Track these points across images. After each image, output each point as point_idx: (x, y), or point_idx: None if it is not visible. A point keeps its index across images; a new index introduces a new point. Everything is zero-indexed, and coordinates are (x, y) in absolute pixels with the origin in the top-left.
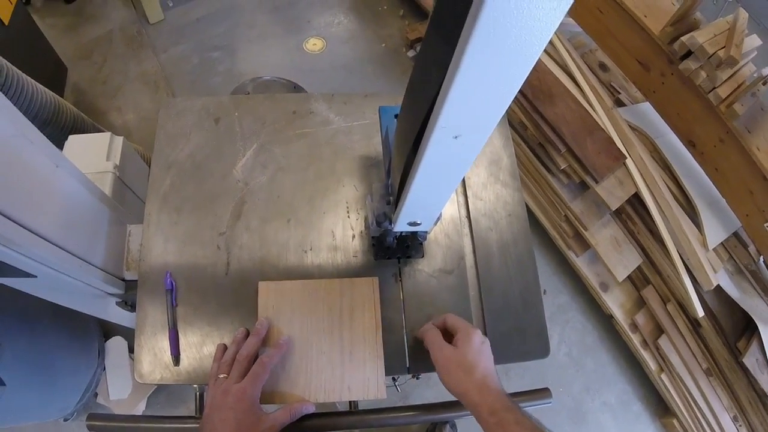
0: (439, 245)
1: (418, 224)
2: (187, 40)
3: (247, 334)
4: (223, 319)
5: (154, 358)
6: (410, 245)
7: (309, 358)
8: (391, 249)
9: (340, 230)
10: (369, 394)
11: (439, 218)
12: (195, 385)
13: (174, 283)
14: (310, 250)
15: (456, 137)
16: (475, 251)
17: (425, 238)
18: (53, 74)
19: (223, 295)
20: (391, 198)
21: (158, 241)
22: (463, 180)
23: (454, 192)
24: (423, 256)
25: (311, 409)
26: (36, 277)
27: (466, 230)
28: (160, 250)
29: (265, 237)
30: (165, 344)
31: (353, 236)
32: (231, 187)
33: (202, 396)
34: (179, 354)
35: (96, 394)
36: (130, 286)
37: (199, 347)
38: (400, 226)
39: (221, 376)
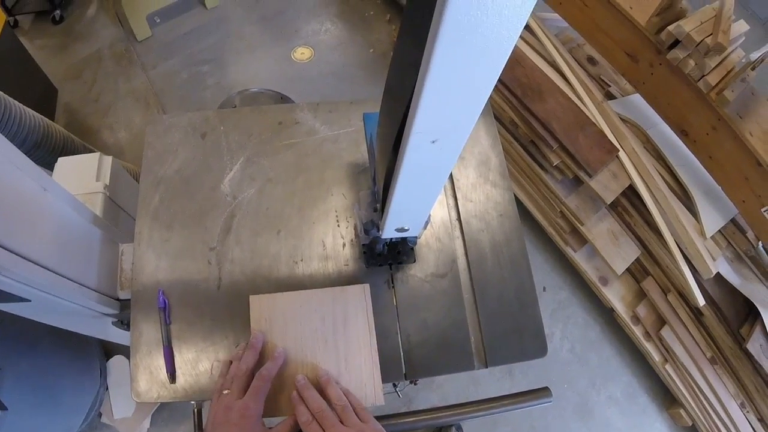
0: (430, 249)
1: (406, 230)
2: (176, 55)
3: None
4: (217, 334)
5: (150, 377)
6: (401, 251)
7: (305, 371)
8: (383, 256)
9: (331, 239)
10: (367, 401)
11: (428, 222)
12: (193, 402)
13: (167, 301)
14: (301, 260)
15: (434, 142)
16: (467, 253)
17: (416, 243)
18: (43, 96)
19: (217, 310)
20: (378, 205)
21: (150, 259)
22: (453, 182)
23: (443, 194)
24: (415, 261)
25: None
26: (30, 301)
27: (458, 233)
28: (152, 268)
29: (256, 250)
30: (161, 362)
31: (344, 245)
32: (220, 202)
33: (200, 412)
34: (175, 371)
35: (100, 414)
36: (125, 305)
37: (195, 364)
38: (388, 232)
39: (225, 392)
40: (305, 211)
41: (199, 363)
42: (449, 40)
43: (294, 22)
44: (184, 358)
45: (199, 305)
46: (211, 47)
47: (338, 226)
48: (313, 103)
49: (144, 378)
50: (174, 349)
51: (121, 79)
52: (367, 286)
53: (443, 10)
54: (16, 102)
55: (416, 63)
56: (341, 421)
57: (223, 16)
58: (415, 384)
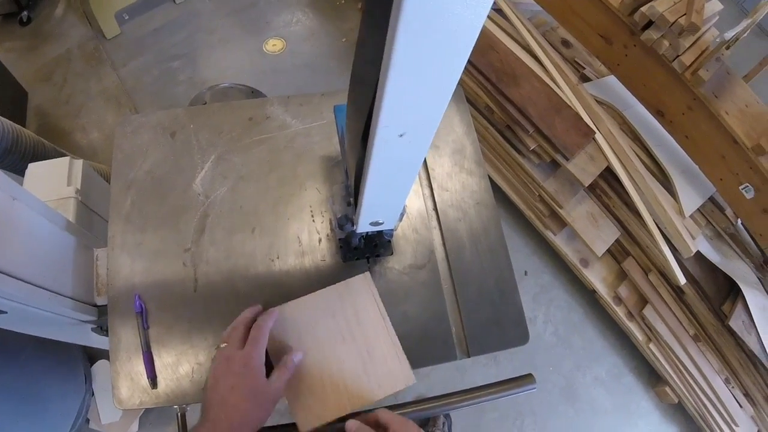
0: (408, 241)
1: (381, 223)
2: (146, 51)
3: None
4: (196, 336)
5: (131, 383)
6: (378, 243)
7: (331, 372)
8: (359, 249)
9: (306, 235)
10: (399, 384)
11: (403, 214)
12: (175, 406)
13: (143, 305)
14: (278, 258)
15: (401, 135)
16: (445, 244)
17: (392, 236)
18: (13, 99)
19: (195, 312)
20: (351, 199)
21: (124, 264)
22: (428, 171)
23: (419, 184)
24: (392, 254)
25: (300, 356)
26: (6, 312)
27: (435, 223)
28: (127, 273)
29: (231, 249)
30: (141, 368)
31: (320, 240)
32: (192, 202)
33: (183, 416)
34: (156, 376)
35: (88, 420)
36: (103, 311)
37: (175, 367)
38: (363, 227)
39: (222, 345)
40: (279, 208)
41: (179, 366)
42: (410, 32)
43: (265, 14)
44: (164, 362)
45: (176, 308)
46: (182, 42)
47: (313, 221)
48: (284, 96)
49: (125, 385)
50: (154, 354)
51: (91, 79)
52: (367, 274)
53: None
54: None
55: (379, 56)
56: None
57: (193, 10)
58: None
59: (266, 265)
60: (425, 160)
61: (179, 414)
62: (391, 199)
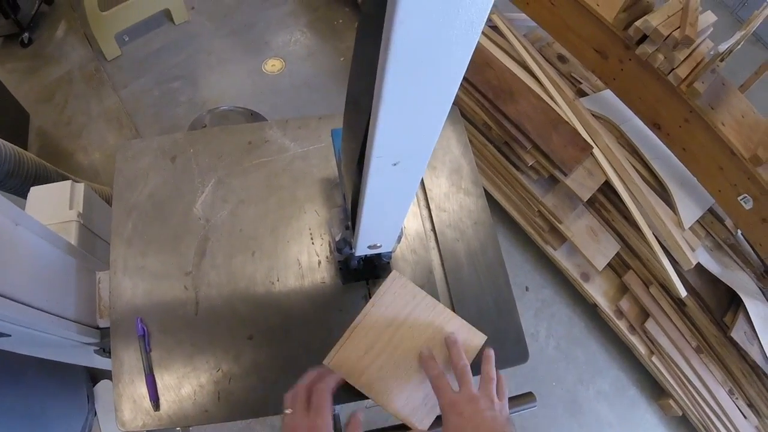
0: (406, 262)
1: (379, 246)
2: (147, 72)
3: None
4: (198, 358)
5: (134, 405)
6: (377, 266)
7: (416, 381)
8: (359, 272)
9: (306, 258)
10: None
11: (401, 236)
12: (178, 428)
13: (145, 329)
14: (278, 280)
15: (395, 164)
16: (443, 264)
17: (390, 258)
18: (15, 121)
19: (197, 335)
20: (349, 222)
21: (126, 287)
22: (425, 192)
23: (417, 205)
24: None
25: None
26: (10, 336)
27: (433, 243)
28: (129, 296)
29: (232, 272)
30: (143, 390)
31: (319, 262)
32: (193, 225)
33: None
34: (158, 399)
35: None
36: (105, 333)
37: (178, 390)
38: (361, 250)
39: (287, 411)
40: (279, 231)
41: (182, 389)
42: (400, 67)
43: (264, 34)
44: (166, 384)
45: (178, 331)
46: (182, 63)
47: (312, 243)
48: (282, 120)
49: (128, 407)
50: (156, 376)
51: (92, 100)
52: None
53: (389, 46)
54: None
55: (371, 84)
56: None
57: (193, 31)
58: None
59: (266, 288)
60: (423, 181)
61: None
62: (388, 224)
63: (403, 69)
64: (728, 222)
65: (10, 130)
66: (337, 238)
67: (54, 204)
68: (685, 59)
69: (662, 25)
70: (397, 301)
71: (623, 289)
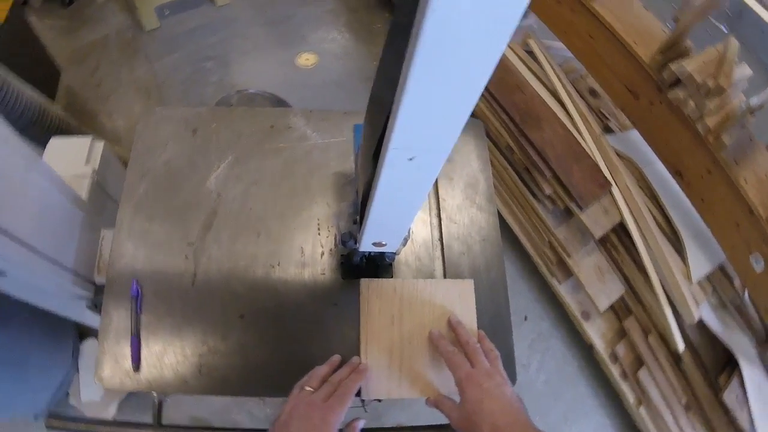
0: (409, 267)
1: (383, 245)
2: (181, 48)
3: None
4: (186, 329)
5: (115, 364)
6: (379, 265)
7: (412, 356)
8: (360, 268)
9: (310, 247)
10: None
11: (407, 239)
12: (154, 393)
13: (140, 291)
14: (278, 265)
15: (411, 159)
16: (445, 275)
17: (394, 259)
18: (46, 76)
19: (188, 306)
20: (358, 217)
21: (128, 248)
22: (438, 201)
23: (427, 213)
24: (392, 277)
25: (363, 423)
26: (5, 275)
27: (438, 253)
28: (130, 257)
29: (234, 250)
30: (127, 351)
31: (322, 253)
32: (203, 198)
33: (160, 404)
34: (140, 361)
35: (68, 395)
36: (100, 290)
37: (161, 356)
38: (365, 246)
39: (308, 388)
40: (287, 217)
41: (165, 356)
42: (427, 58)
43: (301, 28)
44: (151, 349)
45: (171, 299)
46: (217, 45)
47: (319, 234)
48: (307, 109)
49: (109, 364)
50: (142, 340)
51: (124, 67)
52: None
53: (420, 28)
54: (16, 78)
55: (396, 79)
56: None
57: (232, 15)
58: (380, 401)
59: (266, 271)
60: (437, 190)
61: (156, 402)
62: (396, 222)
63: (431, 59)
64: (737, 282)
65: (40, 84)
66: (343, 231)
67: (71, 157)
68: (716, 109)
69: (697, 71)
70: (382, 301)
71: (621, 334)
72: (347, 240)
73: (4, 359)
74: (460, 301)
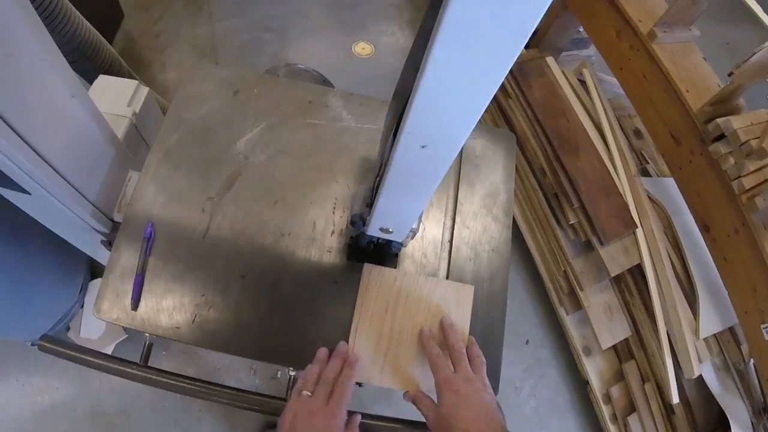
0: (414, 262)
1: (390, 232)
2: (244, 15)
3: (328, 355)
4: (189, 278)
5: (115, 298)
6: (385, 254)
7: (398, 349)
8: (366, 253)
9: (322, 223)
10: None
11: (416, 233)
12: (146, 334)
13: (153, 234)
14: (288, 235)
15: (423, 147)
16: (448, 277)
17: (400, 250)
18: (108, 17)
19: (195, 257)
20: (371, 201)
21: (150, 191)
22: (456, 204)
23: (442, 214)
24: (396, 268)
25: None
26: (30, 194)
27: (445, 255)
28: (150, 200)
29: (249, 212)
30: (129, 288)
31: (332, 232)
32: (231, 158)
33: (150, 346)
34: (139, 300)
35: (68, 328)
36: (117, 227)
37: (159, 299)
38: (372, 230)
39: (305, 392)
40: (306, 190)
41: (163, 300)
42: (447, 46)
43: (364, 17)
44: (152, 290)
45: (180, 247)
46: (279, 18)
47: (333, 213)
48: (347, 92)
49: (109, 297)
50: (145, 280)
51: (185, 23)
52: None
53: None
54: (78, 13)
55: (419, 64)
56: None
57: None
58: (360, 385)
59: (275, 238)
60: (456, 193)
61: (146, 342)
62: (403, 210)
63: (449, 51)
64: (744, 347)
65: (101, 24)
66: (353, 212)
67: (115, 96)
68: (755, 171)
69: (742, 129)
70: (381, 289)
71: (619, 376)
72: (357, 221)
73: (13, 278)
74: (457, 305)
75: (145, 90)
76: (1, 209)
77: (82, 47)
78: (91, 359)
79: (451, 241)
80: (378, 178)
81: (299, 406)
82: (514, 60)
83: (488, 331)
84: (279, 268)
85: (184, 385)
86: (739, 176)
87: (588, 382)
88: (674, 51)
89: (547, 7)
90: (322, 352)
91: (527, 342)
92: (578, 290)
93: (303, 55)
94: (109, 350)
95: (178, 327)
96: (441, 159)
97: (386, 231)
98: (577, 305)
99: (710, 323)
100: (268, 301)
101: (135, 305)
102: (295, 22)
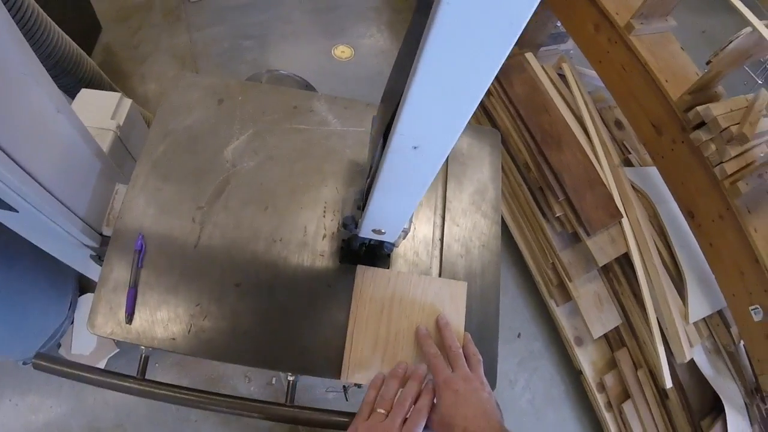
0: (406, 261)
1: (383, 233)
2: (223, 23)
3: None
4: (183, 289)
5: (109, 312)
6: (377, 255)
7: (394, 346)
8: (358, 255)
9: (313, 227)
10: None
11: (407, 232)
12: (142, 347)
13: (144, 246)
14: (280, 240)
15: (415, 148)
16: (441, 275)
17: (392, 250)
18: (87, 31)
19: (188, 267)
20: (363, 204)
21: (139, 203)
22: (444, 202)
23: (432, 212)
24: (388, 268)
25: None
26: (17, 212)
27: (437, 252)
28: (139, 212)
29: (240, 219)
30: (122, 301)
31: (324, 236)
32: (219, 166)
33: (147, 359)
34: (134, 313)
35: (59, 345)
36: (106, 241)
37: (154, 311)
38: (365, 232)
39: (380, 410)
40: (296, 195)
41: (158, 311)
42: (438, 44)
43: (343, 20)
44: (146, 303)
45: (173, 258)
46: (258, 25)
47: (324, 216)
48: (332, 96)
49: (103, 311)
50: (138, 292)
51: (164, 33)
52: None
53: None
54: (58, 28)
55: (409, 65)
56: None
57: None
58: (359, 386)
59: (268, 244)
60: (445, 191)
61: (143, 355)
62: (396, 211)
63: (439, 54)
64: (734, 329)
65: (80, 37)
66: (345, 214)
67: (98, 109)
68: (736, 156)
69: (722, 116)
70: (375, 291)
71: (612, 365)
72: (349, 223)
73: (4, 298)
74: (451, 302)
75: (128, 102)
76: None
77: (62, 62)
78: (87, 375)
79: (441, 239)
80: (369, 180)
81: (374, 424)
82: (500, 65)
83: (483, 325)
84: (273, 274)
85: (183, 396)
86: (721, 162)
87: (581, 372)
88: (652, 42)
89: (530, 16)
90: (401, 368)
91: (519, 335)
92: (567, 282)
93: (283, 61)
94: (101, 365)
95: (173, 338)
96: (433, 159)
97: (379, 232)
98: (567, 297)
99: (699, 307)
100: (263, 308)
101: (130, 318)
102: (275, 28)
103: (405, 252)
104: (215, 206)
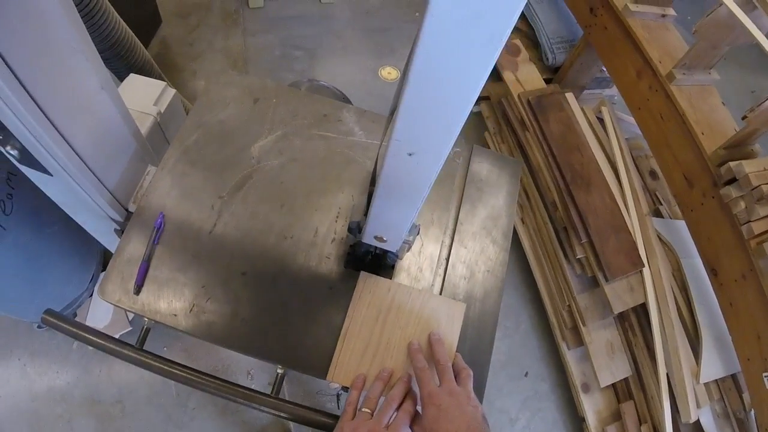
0: (409, 275)
1: (384, 241)
2: (277, 32)
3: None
4: (192, 269)
5: (120, 281)
6: (381, 265)
7: (384, 356)
8: (363, 262)
9: (324, 230)
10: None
11: (410, 245)
12: (145, 318)
13: (163, 224)
14: (291, 238)
15: (410, 154)
16: (441, 293)
17: (395, 261)
18: (147, 22)
19: (200, 250)
20: (366, 209)
21: (165, 185)
22: (456, 224)
23: (442, 232)
24: (391, 279)
25: None
26: (51, 176)
27: (441, 271)
28: (164, 193)
29: (256, 213)
30: (134, 272)
31: (333, 239)
32: (244, 161)
33: (148, 331)
34: (142, 285)
35: (75, 315)
36: (130, 217)
37: (161, 287)
38: (368, 237)
39: (365, 410)
40: (312, 197)
41: (165, 287)
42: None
43: (393, 41)
44: (155, 277)
45: (187, 239)
46: (310, 37)
47: (336, 221)
48: (361, 109)
49: (114, 280)
50: (150, 267)
51: (220, 34)
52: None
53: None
54: (117, 15)
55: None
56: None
57: (331, 13)
58: (346, 390)
59: (278, 240)
60: (458, 212)
61: (144, 327)
62: (395, 217)
63: (428, 62)
64: (746, 395)
65: (140, 27)
66: (351, 220)
67: (143, 94)
68: (765, 217)
69: (755, 174)
70: (374, 297)
71: (616, 416)
72: (354, 228)
73: (30, 260)
74: (447, 321)
75: (171, 92)
76: (24, 193)
77: (116, 46)
78: (89, 337)
79: (447, 259)
80: (372, 187)
81: (360, 423)
82: (484, 77)
83: (475, 350)
84: (278, 268)
85: (175, 371)
86: (749, 221)
87: (585, 420)
88: (692, 93)
89: (510, 32)
90: (387, 372)
91: (527, 374)
92: (581, 326)
93: (330, 74)
94: None
95: (175, 314)
96: (427, 166)
97: (380, 239)
98: (579, 341)
99: (712, 368)
100: (264, 299)
101: (138, 289)
102: (326, 42)
103: (409, 266)
104: (235, 197)
